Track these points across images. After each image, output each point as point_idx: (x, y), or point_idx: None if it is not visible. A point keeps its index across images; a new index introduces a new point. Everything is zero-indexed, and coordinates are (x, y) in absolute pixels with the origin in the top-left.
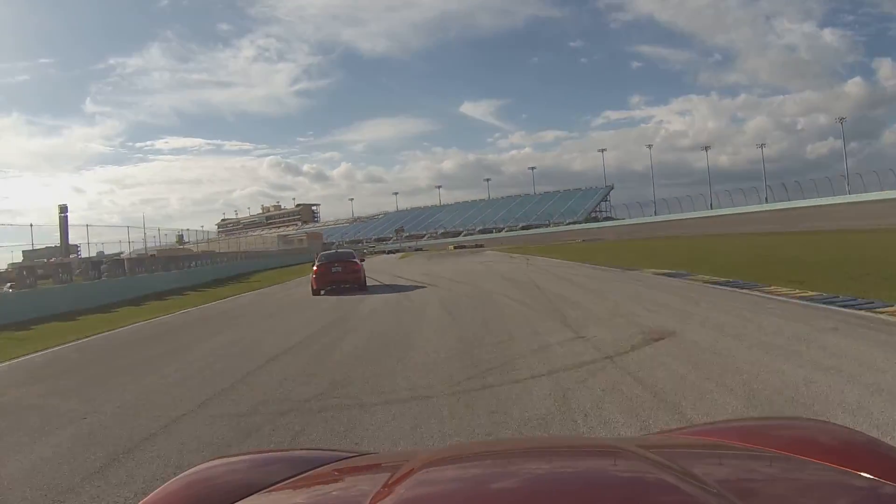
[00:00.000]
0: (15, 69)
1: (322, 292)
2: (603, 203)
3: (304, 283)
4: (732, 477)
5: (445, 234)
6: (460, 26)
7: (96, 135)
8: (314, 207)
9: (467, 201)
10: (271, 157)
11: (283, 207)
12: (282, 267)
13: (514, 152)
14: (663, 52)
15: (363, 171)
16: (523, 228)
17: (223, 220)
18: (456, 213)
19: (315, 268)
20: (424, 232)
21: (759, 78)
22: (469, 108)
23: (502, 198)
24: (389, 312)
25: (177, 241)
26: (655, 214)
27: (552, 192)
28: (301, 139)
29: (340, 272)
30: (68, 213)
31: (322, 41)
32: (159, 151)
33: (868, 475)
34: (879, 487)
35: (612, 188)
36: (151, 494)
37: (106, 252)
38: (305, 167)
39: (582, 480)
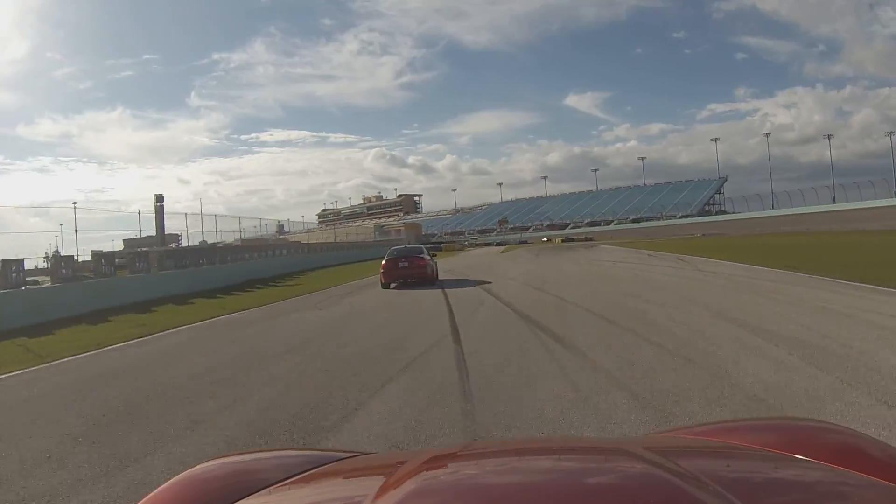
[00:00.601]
0: (119, 65)
1: (392, 285)
2: (716, 196)
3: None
4: (732, 477)
5: (551, 227)
6: (563, 18)
7: (201, 127)
8: (416, 198)
9: (574, 193)
10: (376, 148)
11: (384, 198)
12: (370, 260)
13: (619, 145)
14: (767, 43)
15: (468, 164)
16: (633, 221)
17: (324, 210)
18: (562, 205)
19: (384, 262)
20: (529, 224)
21: (864, 69)
22: (574, 101)
23: (610, 189)
24: None
25: (276, 231)
26: (773, 208)
27: (662, 183)
28: (406, 131)
29: (407, 267)
30: (164, 203)
31: (425, 34)
32: (264, 143)
33: (868, 475)
34: (879, 487)
35: (726, 180)
36: (151, 494)
37: (208, 241)
38: (410, 159)
39: (582, 480)
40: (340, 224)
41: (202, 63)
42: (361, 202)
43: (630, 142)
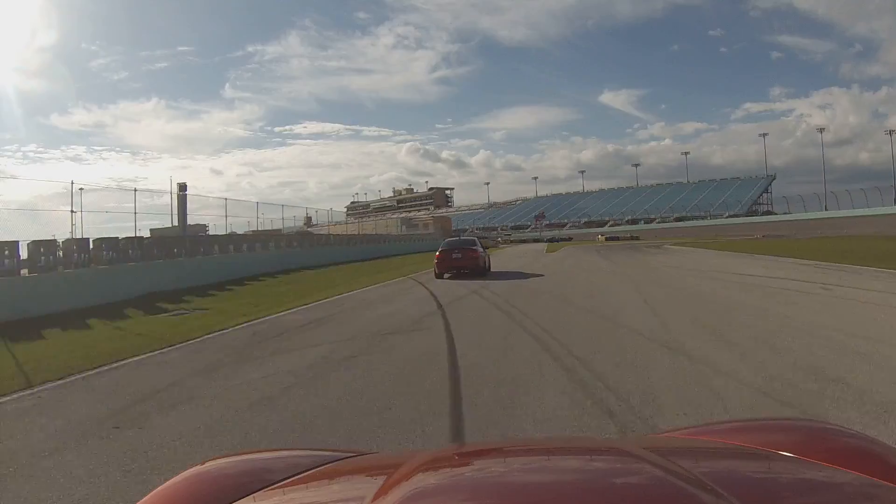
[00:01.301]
0: (154, 56)
1: (445, 276)
2: (763, 195)
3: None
4: (732, 477)
5: (589, 224)
6: (599, 14)
7: (235, 119)
8: (448, 192)
9: (613, 188)
10: (410, 143)
11: (415, 191)
12: (386, 257)
13: (653, 143)
14: (803, 42)
15: (502, 160)
16: (677, 220)
17: (353, 202)
18: (601, 202)
19: (437, 253)
20: (566, 220)
21: None
22: (609, 98)
23: (652, 186)
24: None
25: (304, 223)
26: (826, 210)
27: (707, 181)
28: (440, 126)
29: (460, 258)
30: (187, 192)
31: (460, 29)
32: (298, 136)
33: (868, 475)
34: (879, 487)
35: (774, 178)
36: (151, 494)
37: (238, 231)
38: (444, 154)
39: (582, 481)
40: (370, 217)
41: (237, 55)
42: (391, 195)
43: (665, 140)
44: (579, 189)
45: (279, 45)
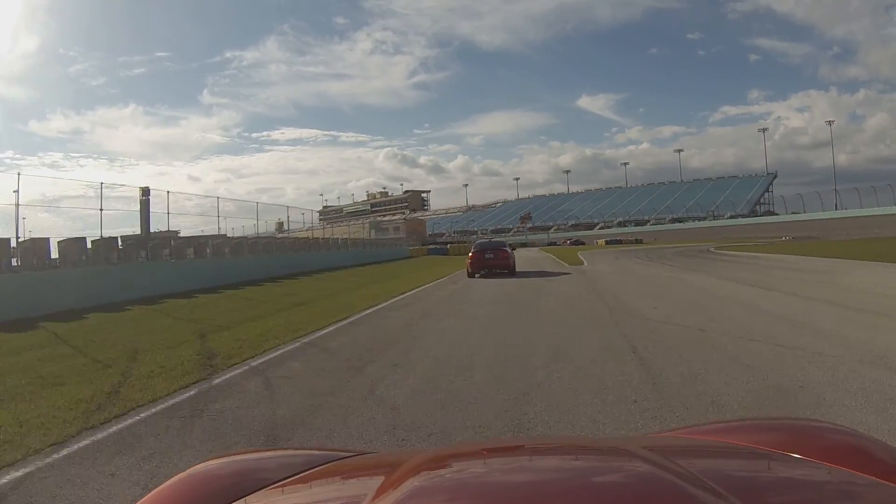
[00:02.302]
0: (132, 62)
1: (476, 275)
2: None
3: None
4: (732, 477)
5: (577, 227)
6: (578, 18)
7: (213, 125)
8: (424, 195)
9: (601, 189)
10: (388, 148)
11: (390, 195)
12: (337, 270)
13: (631, 147)
14: (781, 45)
15: (480, 165)
16: (674, 221)
17: (325, 207)
18: (588, 203)
19: (470, 254)
20: (551, 223)
21: (879, 72)
22: (587, 102)
23: (643, 186)
24: None
25: (276, 229)
26: (836, 209)
27: (702, 180)
28: (418, 131)
29: (492, 258)
30: (150, 197)
31: (439, 34)
32: (276, 142)
33: (868, 475)
34: (879, 487)
35: (776, 176)
36: (150, 494)
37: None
38: (422, 159)
39: (582, 480)
40: (343, 222)
41: (215, 61)
42: (365, 198)
43: (642, 144)
44: (563, 191)
45: (257, 51)
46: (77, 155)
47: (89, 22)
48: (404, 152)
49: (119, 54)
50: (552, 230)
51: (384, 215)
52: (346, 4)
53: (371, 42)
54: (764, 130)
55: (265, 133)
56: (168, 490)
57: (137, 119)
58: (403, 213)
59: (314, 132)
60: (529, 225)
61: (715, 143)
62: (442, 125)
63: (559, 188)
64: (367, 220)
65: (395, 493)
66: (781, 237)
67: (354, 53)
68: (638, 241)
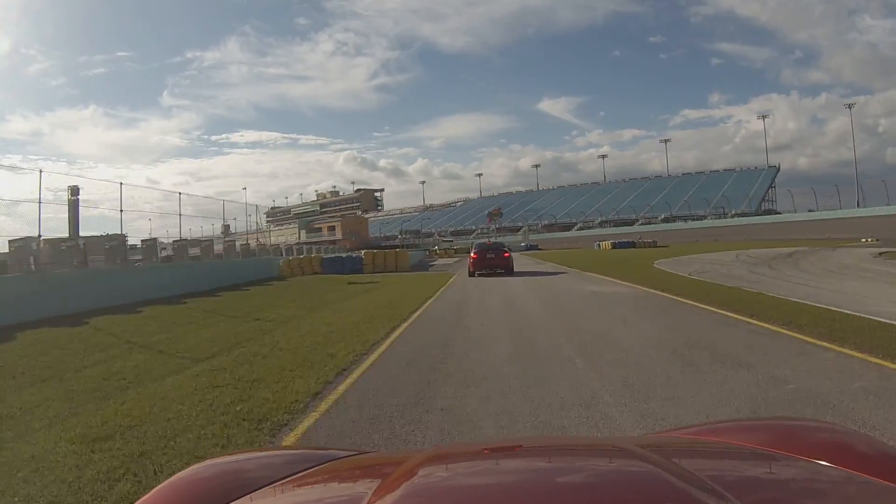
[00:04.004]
0: (92, 62)
1: (477, 274)
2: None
3: None
4: (732, 477)
5: (551, 227)
6: (540, 21)
7: (173, 128)
8: (377, 194)
9: (574, 186)
10: (347, 151)
11: (340, 194)
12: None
13: (591, 150)
14: (743, 49)
15: (440, 168)
16: (665, 221)
17: (273, 208)
18: (561, 201)
19: (472, 255)
20: (520, 224)
21: (842, 76)
22: (547, 105)
23: (623, 181)
24: None
25: (222, 231)
26: (857, 206)
27: (694, 174)
28: (378, 134)
29: (493, 258)
30: (80, 197)
31: (401, 35)
32: (235, 145)
33: (868, 475)
34: (879, 487)
35: (779, 169)
36: (149, 494)
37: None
38: (382, 162)
39: (582, 480)
40: (290, 223)
41: (176, 61)
42: (314, 198)
43: (602, 147)
44: (536, 185)
45: (218, 51)
46: (35, 157)
47: (50, 20)
48: (364, 155)
49: (80, 53)
50: (522, 230)
51: (334, 216)
52: (308, 5)
53: (332, 43)
54: (763, 117)
55: (224, 136)
56: (166, 490)
57: (98, 121)
58: (355, 213)
59: (274, 135)
60: (497, 225)
61: (674, 145)
62: (402, 128)
63: (519, 190)
64: (320, 223)
65: (394, 493)
66: (860, 238)
67: (315, 55)
68: (651, 245)
